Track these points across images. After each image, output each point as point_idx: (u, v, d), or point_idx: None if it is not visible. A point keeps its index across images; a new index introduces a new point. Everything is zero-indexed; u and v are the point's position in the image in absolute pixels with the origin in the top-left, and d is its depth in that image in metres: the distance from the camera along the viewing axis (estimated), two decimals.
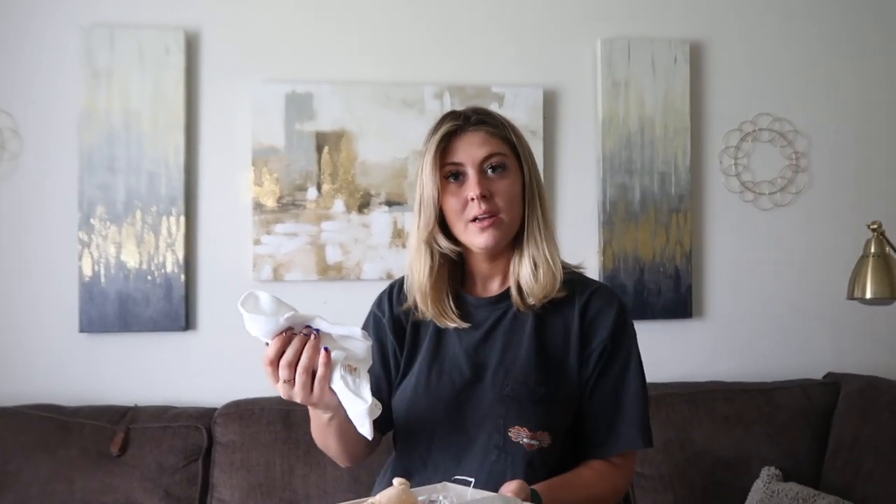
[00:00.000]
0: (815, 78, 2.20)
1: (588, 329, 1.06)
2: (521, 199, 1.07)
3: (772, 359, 2.14)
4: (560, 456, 1.04)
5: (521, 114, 2.05)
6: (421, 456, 1.07)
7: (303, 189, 2.01)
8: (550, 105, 2.11)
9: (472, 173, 1.03)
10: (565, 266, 1.12)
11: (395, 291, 1.17)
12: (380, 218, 2.02)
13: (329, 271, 2.01)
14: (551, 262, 1.05)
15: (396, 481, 0.85)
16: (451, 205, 1.05)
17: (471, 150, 1.04)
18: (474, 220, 1.04)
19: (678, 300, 2.10)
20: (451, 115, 1.08)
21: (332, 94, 2.02)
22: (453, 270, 1.11)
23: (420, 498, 0.86)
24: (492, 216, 1.03)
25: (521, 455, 1.00)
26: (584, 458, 1.06)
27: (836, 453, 1.83)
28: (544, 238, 1.06)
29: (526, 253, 1.06)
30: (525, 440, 1.00)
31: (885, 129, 2.22)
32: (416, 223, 1.08)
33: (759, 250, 2.17)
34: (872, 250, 1.74)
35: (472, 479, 0.89)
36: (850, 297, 1.77)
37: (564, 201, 2.12)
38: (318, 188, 2.01)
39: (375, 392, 1.13)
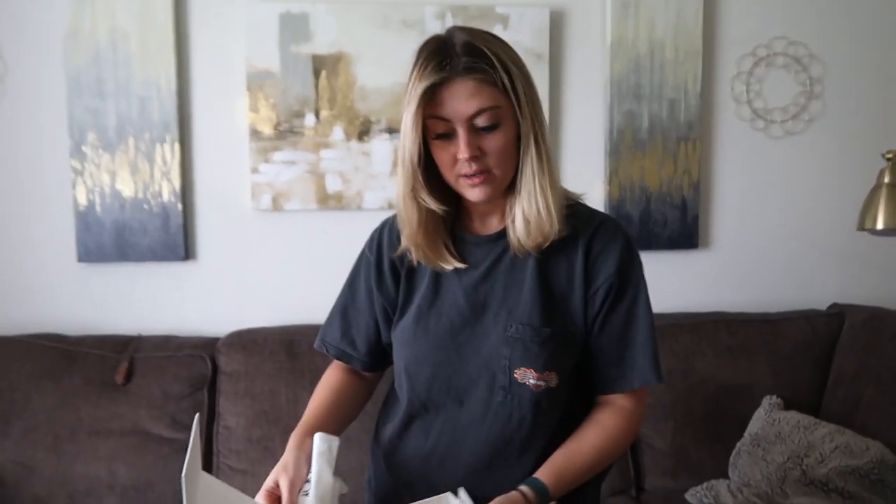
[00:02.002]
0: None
1: (593, 266, 1.01)
2: (517, 148, 0.99)
3: (777, 290, 2.13)
4: (568, 394, 1.03)
5: (527, 36, 1.96)
6: (420, 399, 1.06)
7: (300, 115, 1.94)
8: (557, 27, 2.02)
9: (461, 132, 0.94)
10: (568, 197, 1.06)
11: (387, 233, 1.12)
12: (380, 146, 1.97)
13: (329, 201, 1.97)
14: (544, 214, 0.97)
15: None
16: (441, 159, 0.98)
17: (458, 105, 0.93)
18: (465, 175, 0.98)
19: (684, 231, 2.07)
20: (435, 55, 0.94)
21: (329, 15, 1.92)
22: (448, 210, 1.05)
23: None
24: (482, 173, 0.97)
25: (527, 396, 0.99)
26: (595, 394, 1.05)
27: (837, 383, 1.84)
28: (539, 186, 0.98)
29: (518, 204, 0.99)
30: (532, 381, 0.98)
31: None
32: (399, 174, 1.00)
33: (768, 180, 2.13)
34: (886, 180, 1.69)
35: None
36: (861, 227, 1.74)
37: (570, 129, 2.06)
38: (316, 114, 1.95)
39: (368, 338, 1.13)
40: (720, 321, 1.93)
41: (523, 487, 0.95)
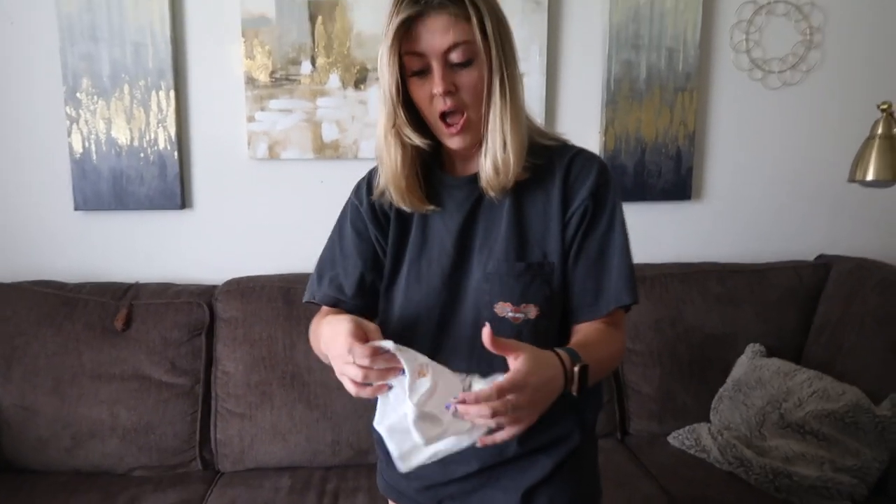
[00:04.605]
0: None
1: (569, 192, 1.03)
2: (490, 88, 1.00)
3: (768, 241, 2.16)
4: (550, 326, 1.05)
5: None
6: (414, 343, 1.08)
7: (296, 63, 1.93)
8: None
9: (435, 66, 0.96)
10: (545, 135, 1.08)
11: (375, 179, 1.12)
12: (377, 94, 1.95)
13: (325, 149, 1.98)
14: (501, 155, 0.99)
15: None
16: (419, 97, 1.00)
17: (433, 40, 0.95)
18: (443, 118, 0.99)
19: (678, 182, 2.08)
20: None
21: None
22: (428, 153, 1.06)
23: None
24: (460, 113, 0.98)
25: (508, 328, 1.01)
26: (574, 322, 1.05)
27: (820, 331, 1.88)
28: (501, 126, 0.99)
29: (485, 146, 1.01)
30: (510, 314, 1.01)
31: None
32: (382, 112, 1.02)
33: (763, 131, 2.13)
34: (880, 131, 1.70)
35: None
36: (852, 179, 1.75)
37: (567, 78, 2.05)
38: (313, 62, 1.93)
39: (356, 280, 1.10)
40: (710, 271, 1.96)
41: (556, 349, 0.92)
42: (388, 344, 0.88)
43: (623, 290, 1.01)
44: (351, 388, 0.90)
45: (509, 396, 0.81)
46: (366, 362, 0.87)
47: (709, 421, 1.81)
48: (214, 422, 1.80)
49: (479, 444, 0.86)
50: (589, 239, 1.02)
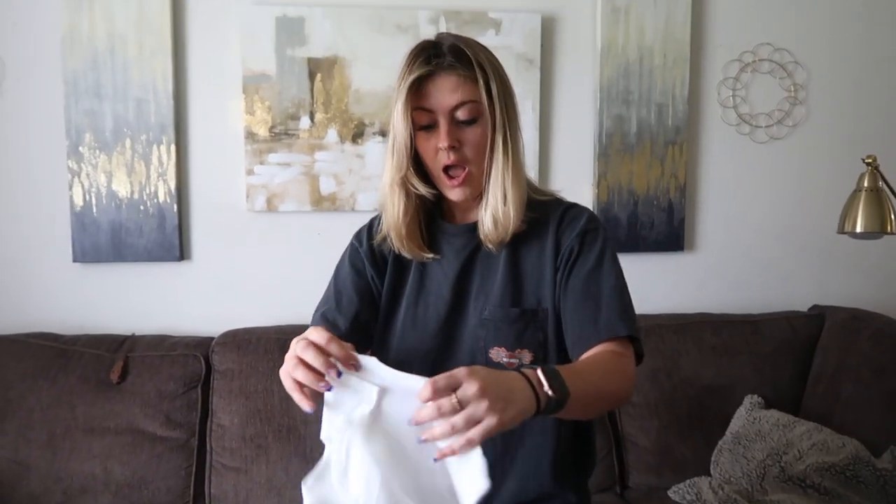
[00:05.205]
0: (818, 8, 2.15)
1: (560, 239, 1.07)
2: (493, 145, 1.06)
3: (761, 291, 2.18)
4: None
5: (519, 41, 2.00)
6: None
7: (295, 118, 1.97)
8: (548, 32, 2.05)
9: (442, 122, 1.03)
10: (540, 191, 1.13)
11: (377, 225, 1.17)
12: (374, 148, 2.00)
13: (323, 202, 2.00)
14: (502, 211, 1.04)
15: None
16: (425, 149, 1.06)
17: (442, 98, 1.02)
18: (446, 170, 1.05)
19: (671, 233, 2.12)
20: (424, 52, 1.03)
21: (325, 18, 1.95)
22: (430, 202, 1.12)
23: None
24: (462, 167, 1.04)
25: None
26: (573, 359, 1.04)
27: (817, 381, 1.89)
28: (503, 184, 1.04)
29: (486, 200, 1.06)
30: (504, 359, 1.04)
31: (885, 62, 2.19)
32: (388, 163, 1.07)
33: (752, 184, 2.17)
34: (866, 184, 1.74)
35: None
36: (841, 230, 1.79)
37: (560, 132, 2.10)
38: (311, 117, 1.98)
39: (350, 315, 1.11)
40: (705, 322, 1.98)
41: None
42: (369, 361, 0.87)
43: (616, 323, 1.01)
44: (291, 387, 0.90)
45: (454, 395, 0.77)
46: (322, 341, 0.87)
47: (708, 474, 1.80)
48: (209, 476, 1.77)
49: (437, 457, 0.79)
50: (575, 276, 1.05)
